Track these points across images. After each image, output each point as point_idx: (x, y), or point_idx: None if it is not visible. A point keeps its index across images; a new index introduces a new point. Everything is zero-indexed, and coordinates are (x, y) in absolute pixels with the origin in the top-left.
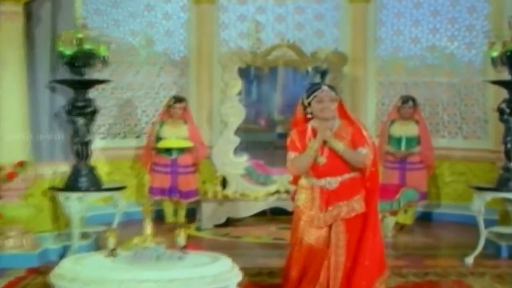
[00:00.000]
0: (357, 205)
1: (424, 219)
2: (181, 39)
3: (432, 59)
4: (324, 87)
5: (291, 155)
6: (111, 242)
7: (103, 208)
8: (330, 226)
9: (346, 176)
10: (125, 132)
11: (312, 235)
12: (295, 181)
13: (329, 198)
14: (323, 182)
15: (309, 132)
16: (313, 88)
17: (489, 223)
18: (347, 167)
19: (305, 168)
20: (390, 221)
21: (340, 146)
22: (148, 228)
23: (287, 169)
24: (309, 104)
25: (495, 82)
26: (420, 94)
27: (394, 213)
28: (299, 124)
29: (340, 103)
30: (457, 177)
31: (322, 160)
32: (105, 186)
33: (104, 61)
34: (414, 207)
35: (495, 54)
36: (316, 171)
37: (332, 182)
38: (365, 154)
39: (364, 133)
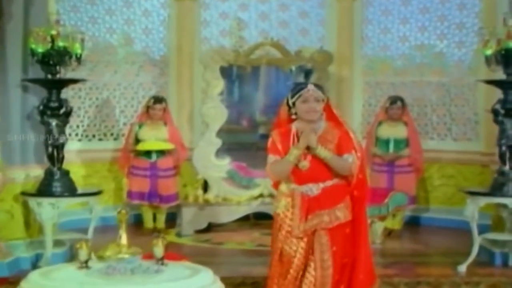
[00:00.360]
0: (341, 214)
1: (412, 223)
2: (160, 37)
3: (420, 58)
4: (310, 86)
5: (271, 158)
6: (83, 254)
7: (79, 213)
8: (312, 236)
9: (329, 182)
10: (102, 133)
11: (293, 245)
12: (276, 185)
13: (310, 206)
14: (304, 188)
15: (293, 133)
16: (299, 87)
17: (481, 228)
18: (331, 173)
19: (284, 174)
20: (379, 226)
21: (325, 153)
22: (123, 237)
23: (266, 172)
24: (294, 104)
25: (489, 82)
26: (408, 94)
27: (382, 218)
28: (282, 125)
29: (327, 103)
30: (446, 180)
31: (305, 164)
32: (80, 191)
33: (79, 59)
34: (403, 212)
35: (489, 52)
36: (297, 176)
37: (314, 188)
38: (352, 161)
39: (352, 136)
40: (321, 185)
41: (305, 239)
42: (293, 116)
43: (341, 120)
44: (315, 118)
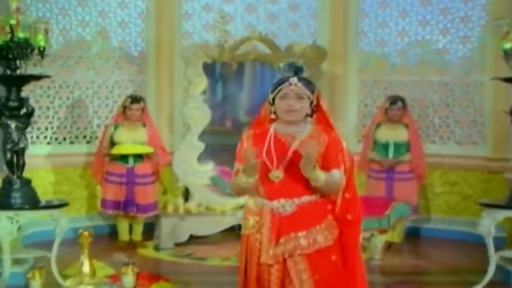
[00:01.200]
0: (321, 236)
1: (412, 235)
2: (138, 31)
3: (421, 54)
4: (293, 80)
5: (235, 166)
6: (35, 286)
7: (48, 223)
8: (284, 264)
9: (307, 198)
10: (73, 136)
11: (265, 274)
12: None
13: (282, 226)
14: (275, 204)
15: (270, 135)
16: (280, 81)
17: None
18: (309, 187)
19: (246, 193)
20: (379, 240)
21: (321, 178)
22: (85, 265)
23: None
24: (273, 101)
25: (508, 80)
26: (407, 94)
27: (383, 231)
28: (260, 125)
29: (318, 102)
30: (449, 188)
31: (277, 175)
32: (45, 201)
33: (42, 53)
34: (403, 223)
35: (509, 46)
36: (268, 190)
37: (287, 205)
38: (339, 178)
39: (343, 146)
40: (296, 201)
41: (276, 267)
42: (272, 116)
43: (331, 123)
44: (294, 119)
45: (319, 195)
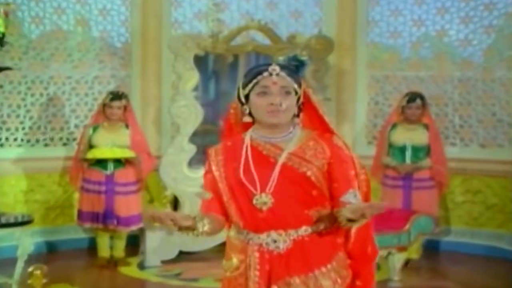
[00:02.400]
0: (327, 281)
1: (430, 249)
2: (121, 20)
3: (439, 46)
4: (275, 68)
5: (205, 194)
6: None
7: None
8: None
9: (307, 229)
10: (48, 138)
11: None
12: None
13: (274, 268)
14: (264, 239)
15: (245, 147)
16: (254, 71)
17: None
18: (307, 213)
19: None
20: (398, 259)
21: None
22: None
23: None
24: (247, 98)
25: None
26: (424, 91)
27: (402, 249)
28: (231, 135)
29: (305, 96)
30: (471, 196)
31: (266, 201)
32: (7, 217)
33: (1, 41)
34: (422, 237)
35: None
36: (253, 220)
37: (280, 240)
38: (360, 200)
39: (353, 155)
40: (293, 234)
41: None
42: (246, 119)
43: (329, 124)
44: (280, 122)
45: (324, 225)
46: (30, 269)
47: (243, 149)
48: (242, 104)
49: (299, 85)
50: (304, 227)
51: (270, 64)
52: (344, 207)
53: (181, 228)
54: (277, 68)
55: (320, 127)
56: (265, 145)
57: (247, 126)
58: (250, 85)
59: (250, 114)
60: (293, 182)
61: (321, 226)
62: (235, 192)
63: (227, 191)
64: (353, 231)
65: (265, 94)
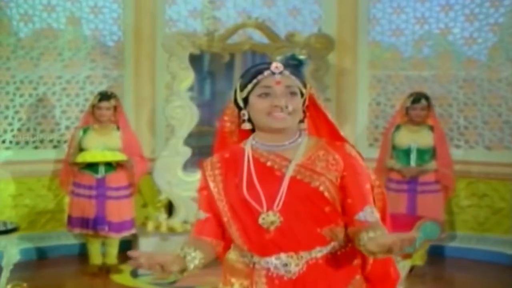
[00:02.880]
0: None
1: (435, 255)
2: (114, 17)
3: (444, 44)
4: (277, 66)
5: (199, 214)
6: None
7: None
8: None
9: (321, 250)
10: (38, 140)
11: None
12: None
13: None
14: (273, 263)
15: (248, 160)
16: (254, 70)
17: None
18: (320, 232)
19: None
20: (403, 267)
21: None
22: None
23: None
24: (246, 101)
25: None
26: (427, 91)
27: (407, 256)
28: (227, 145)
29: (311, 100)
30: (477, 200)
31: (273, 220)
32: None
33: None
34: (427, 243)
35: None
36: (258, 242)
37: (292, 263)
38: (378, 218)
39: (362, 164)
40: (306, 256)
41: None
42: (245, 126)
43: (338, 131)
44: (285, 127)
45: (339, 245)
46: (9, 287)
47: (244, 161)
48: (240, 108)
49: (304, 86)
50: (317, 248)
51: (271, 62)
52: (368, 237)
53: (171, 272)
54: (280, 66)
55: (328, 134)
56: (268, 156)
57: (244, 136)
58: (250, 86)
59: (249, 120)
60: (304, 198)
61: (336, 246)
62: (238, 211)
63: (228, 210)
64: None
65: (267, 95)
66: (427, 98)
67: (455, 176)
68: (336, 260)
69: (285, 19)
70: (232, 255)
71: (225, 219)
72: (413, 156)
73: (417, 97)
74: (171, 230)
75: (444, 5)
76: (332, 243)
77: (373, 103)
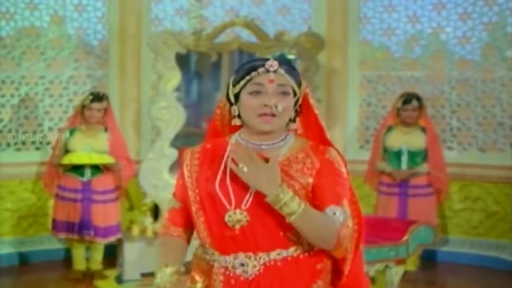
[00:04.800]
0: None
1: (427, 260)
2: (98, 16)
3: (436, 44)
4: (272, 64)
5: (172, 202)
6: None
7: None
8: None
9: (281, 253)
10: (20, 141)
11: None
12: None
13: None
14: (231, 262)
15: (227, 152)
16: (248, 66)
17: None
18: (283, 236)
19: None
20: (396, 273)
21: (293, 206)
22: None
23: None
24: (237, 97)
25: None
26: (419, 92)
27: (400, 261)
28: (217, 137)
29: (305, 99)
30: (471, 203)
31: (239, 219)
32: None
33: None
34: (421, 248)
35: None
36: (220, 239)
37: (249, 264)
38: (342, 221)
39: (344, 171)
40: (264, 257)
41: None
42: (235, 122)
43: (325, 134)
44: (273, 129)
45: (302, 249)
46: None
47: (224, 156)
48: (231, 104)
49: (299, 85)
50: (277, 250)
51: (267, 59)
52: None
53: None
54: (276, 64)
55: (315, 135)
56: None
57: (235, 130)
58: (242, 82)
59: (239, 116)
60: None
61: (298, 250)
62: (205, 204)
63: (197, 201)
64: (346, 267)
65: (258, 93)
66: (418, 98)
67: (448, 179)
68: (296, 263)
69: (274, 18)
70: (198, 251)
71: (193, 209)
72: (404, 159)
73: (408, 98)
74: (157, 235)
75: (437, 3)
76: (295, 247)
77: (363, 104)
